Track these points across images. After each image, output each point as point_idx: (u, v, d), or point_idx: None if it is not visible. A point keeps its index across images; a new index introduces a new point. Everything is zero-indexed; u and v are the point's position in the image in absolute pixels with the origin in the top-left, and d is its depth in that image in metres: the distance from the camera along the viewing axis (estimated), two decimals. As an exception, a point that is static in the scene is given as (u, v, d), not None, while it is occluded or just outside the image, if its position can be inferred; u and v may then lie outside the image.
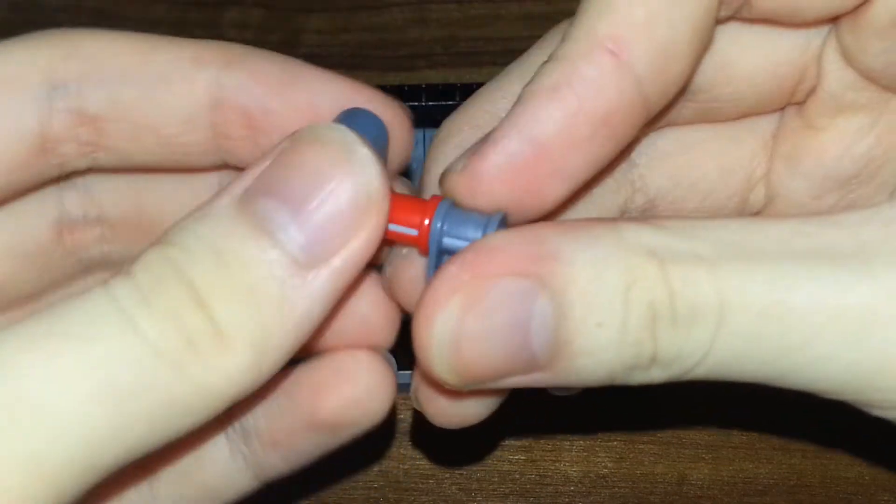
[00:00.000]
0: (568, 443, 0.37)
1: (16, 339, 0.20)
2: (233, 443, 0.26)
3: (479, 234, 0.23)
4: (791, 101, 0.28)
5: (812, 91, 0.27)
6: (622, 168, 0.28)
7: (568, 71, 0.23)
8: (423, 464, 0.36)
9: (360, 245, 0.22)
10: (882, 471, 0.36)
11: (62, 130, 0.25)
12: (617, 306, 0.21)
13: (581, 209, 0.27)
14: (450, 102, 0.44)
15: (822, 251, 0.22)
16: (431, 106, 0.44)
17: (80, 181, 0.27)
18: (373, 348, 0.26)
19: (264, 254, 0.21)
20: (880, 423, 0.37)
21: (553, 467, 0.36)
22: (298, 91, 0.25)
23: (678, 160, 0.28)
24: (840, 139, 0.27)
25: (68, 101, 0.25)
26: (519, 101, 0.23)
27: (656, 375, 0.22)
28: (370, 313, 0.26)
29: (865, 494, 0.36)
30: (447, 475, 0.36)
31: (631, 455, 0.37)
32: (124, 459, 0.21)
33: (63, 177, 0.26)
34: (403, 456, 0.37)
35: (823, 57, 0.26)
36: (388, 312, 0.26)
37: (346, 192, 0.22)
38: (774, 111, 0.28)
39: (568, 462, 0.36)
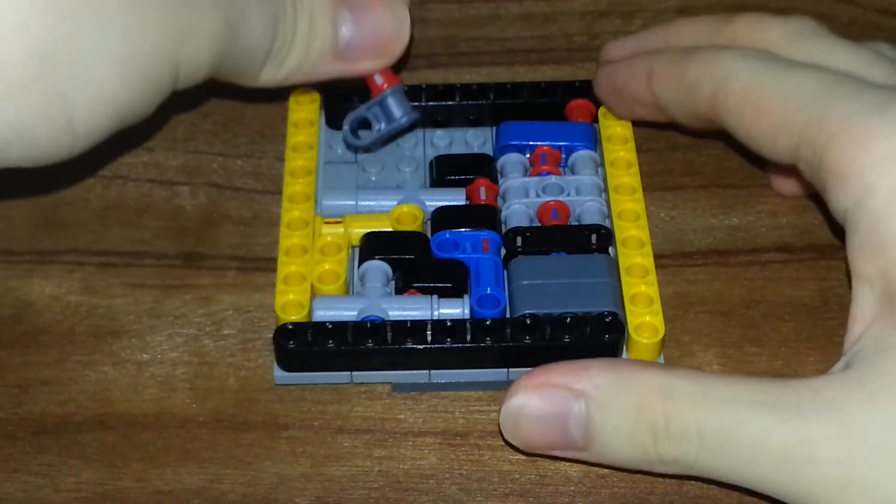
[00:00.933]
0: (568, 443, 0.37)
1: None
2: None
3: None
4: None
5: None
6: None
7: None
8: (423, 463, 0.36)
9: (370, 67, 0.41)
10: None
11: None
12: (629, 420, 0.32)
13: None
14: (450, 102, 0.44)
15: (774, 403, 0.31)
16: (431, 106, 0.44)
17: None
18: None
19: (329, 33, 0.38)
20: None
21: (553, 467, 0.36)
22: None
23: None
24: None
25: None
26: None
27: (667, 469, 0.33)
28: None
29: (866, 494, 0.36)
30: (447, 475, 0.36)
31: (631, 455, 0.36)
32: None
33: None
34: (403, 456, 0.37)
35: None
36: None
37: (385, 35, 0.39)
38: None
39: (568, 462, 0.36)
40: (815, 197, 0.41)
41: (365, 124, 0.41)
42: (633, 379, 0.32)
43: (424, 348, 0.36)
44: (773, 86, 0.35)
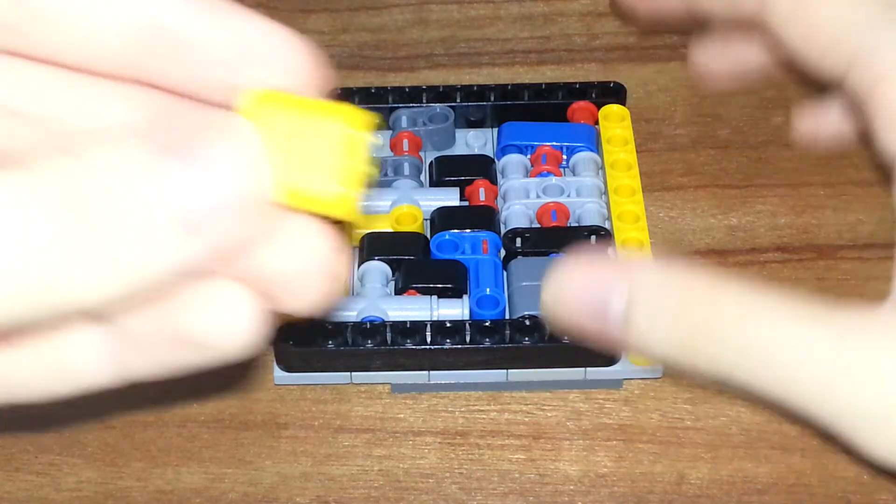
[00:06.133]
0: (567, 442, 0.37)
1: None
2: (97, 332, 0.26)
3: None
4: None
5: None
6: None
7: None
8: (423, 463, 0.36)
9: (239, 234, 0.23)
10: (882, 470, 0.36)
11: None
12: (669, 316, 0.29)
13: None
14: (450, 104, 0.44)
15: (824, 324, 0.28)
16: (432, 107, 0.44)
17: None
18: None
19: (162, 201, 0.22)
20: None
21: (553, 467, 0.36)
22: (233, 21, 0.26)
23: None
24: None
25: None
26: None
27: (705, 373, 0.29)
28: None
29: (865, 494, 0.36)
30: (447, 474, 0.36)
31: (630, 454, 0.37)
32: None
33: None
34: (403, 456, 0.37)
35: None
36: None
37: (243, 185, 0.23)
38: None
39: (567, 461, 0.36)
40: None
41: None
42: (680, 277, 0.29)
43: (424, 349, 0.37)
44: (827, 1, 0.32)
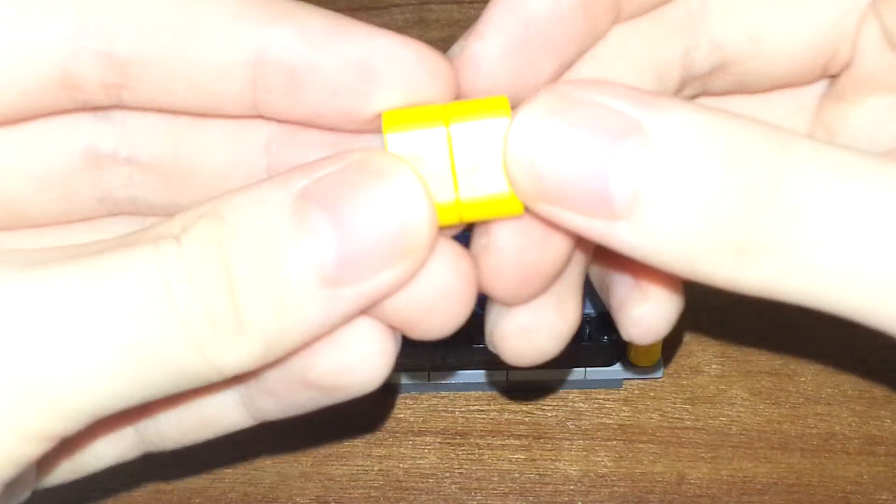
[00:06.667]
0: (567, 442, 0.37)
1: (62, 281, 0.21)
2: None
3: None
4: (826, 75, 0.27)
5: (847, 66, 0.27)
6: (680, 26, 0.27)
7: None
8: (423, 463, 0.36)
9: (389, 279, 0.23)
10: (881, 470, 0.36)
11: (86, 69, 0.24)
12: (713, 180, 0.20)
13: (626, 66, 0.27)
14: (450, 103, 0.44)
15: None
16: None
17: (117, 115, 0.26)
18: None
19: (302, 261, 0.22)
20: (879, 422, 0.37)
21: (553, 466, 0.36)
22: (346, 45, 0.24)
23: None
24: (873, 116, 0.27)
25: (97, 41, 0.24)
26: None
27: (744, 273, 0.21)
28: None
29: (864, 494, 0.36)
30: (447, 474, 0.36)
31: (630, 454, 0.37)
32: (127, 406, 0.22)
33: (89, 108, 0.25)
34: (403, 455, 0.37)
35: (860, 35, 0.26)
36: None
37: (390, 231, 0.22)
38: (808, 84, 0.28)
39: (567, 461, 0.36)
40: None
41: None
42: (728, 121, 0.21)
43: (424, 349, 0.36)
44: None
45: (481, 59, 0.24)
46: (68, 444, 0.26)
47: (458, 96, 0.24)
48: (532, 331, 0.25)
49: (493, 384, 0.38)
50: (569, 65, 0.25)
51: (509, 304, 0.25)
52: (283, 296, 0.22)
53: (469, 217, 0.23)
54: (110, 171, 0.26)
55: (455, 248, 0.24)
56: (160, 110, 0.25)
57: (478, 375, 0.37)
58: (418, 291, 0.23)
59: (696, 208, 0.20)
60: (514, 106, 0.23)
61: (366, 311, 0.23)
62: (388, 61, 0.24)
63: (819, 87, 0.28)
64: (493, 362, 0.37)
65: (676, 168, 0.20)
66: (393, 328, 0.24)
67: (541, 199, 0.22)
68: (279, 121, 0.25)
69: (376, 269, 0.22)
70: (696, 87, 0.28)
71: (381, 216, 0.22)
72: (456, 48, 0.25)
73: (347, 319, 0.23)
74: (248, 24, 0.24)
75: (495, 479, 0.36)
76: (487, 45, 0.24)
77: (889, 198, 0.20)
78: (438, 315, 0.24)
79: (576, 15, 0.24)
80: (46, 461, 0.26)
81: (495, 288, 0.25)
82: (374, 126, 0.24)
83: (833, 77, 0.28)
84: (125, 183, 0.26)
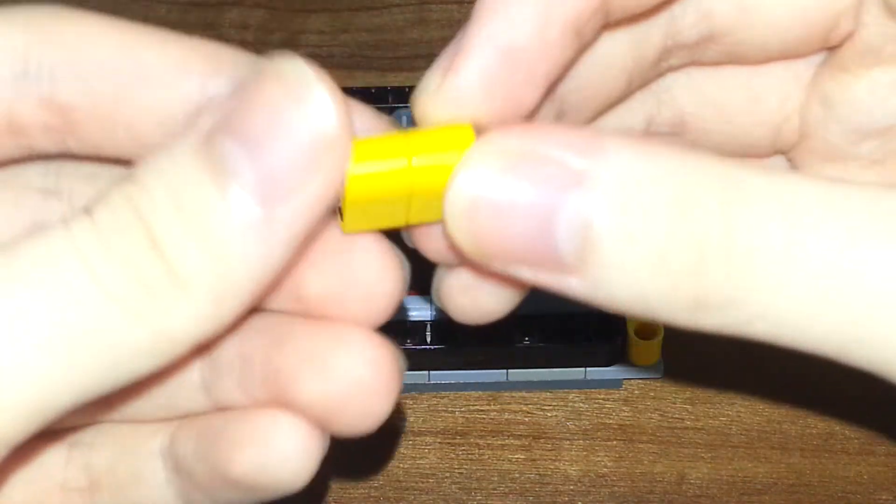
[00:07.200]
0: (567, 442, 0.37)
1: None
2: (168, 470, 0.25)
3: None
4: (825, 47, 0.27)
5: (848, 37, 0.26)
6: (648, 80, 0.27)
7: None
8: (423, 463, 0.36)
9: (318, 186, 0.21)
10: (881, 470, 0.36)
11: (29, 116, 0.24)
12: (660, 226, 0.19)
13: (605, 123, 0.26)
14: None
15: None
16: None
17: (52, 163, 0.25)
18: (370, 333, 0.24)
19: (222, 196, 0.21)
20: (879, 422, 0.37)
21: (553, 466, 0.36)
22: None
23: (706, 80, 0.28)
24: (874, 90, 0.26)
25: (39, 88, 0.23)
26: (481, 8, 0.22)
27: (705, 322, 0.20)
28: (366, 276, 0.23)
29: (864, 494, 0.36)
30: (447, 474, 0.36)
31: (630, 454, 0.37)
32: (79, 401, 0.21)
33: (35, 157, 0.25)
34: (403, 455, 0.37)
35: (863, 6, 0.25)
36: (389, 274, 0.23)
37: (301, 132, 0.21)
38: (806, 56, 0.27)
39: (567, 461, 0.36)
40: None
41: None
42: (674, 163, 0.20)
43: (424, 349, 0.37)
44: None
45: (459, 96, 0.22)
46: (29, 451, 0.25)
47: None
48: (474, 289, 0.24)
49: (493, 384, 0.38)
50: (554, 87, 0.24)
51: (447, 265, 0.24)
52: (214, 241, 0.20)
53: (416, 216, 0.22)
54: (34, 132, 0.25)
55: (374, 339, 0.23)
56: (105, 158, 0.25)
57: (478, 375, 0.37)
58: (333, 383, 0.23)
59: (644, 261, 0.20)
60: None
61: (305, 230, 0.21)
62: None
63: (816, 57, 0.27)
64: (493, 362, 0.37)
65: (622, 219, 0.20)
66: (317, 425, 0.23)
67: (487, 259, 0.21)
68: None
69: (302, 180, 0.21)
70: (683, 56, 0.27)
71: (290, 121, 0.21)
72: (430, 83, 0.23)
73: (291, 247, 0.21)
74: (191, 76, 0.23)
75: (495, 479, 0.36)
76: (465, 82, 0.22)
77: (846, 231, 0.19)
78: (357, 407, 0.23)
79: (565, 39, 0.23)
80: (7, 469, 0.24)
81: (429, 251, 0.24)
82: None
83: (832, 48, 0.27)
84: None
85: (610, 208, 0.20)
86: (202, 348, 0.23)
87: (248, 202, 0.21)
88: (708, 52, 0.27)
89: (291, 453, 0.23)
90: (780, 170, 0.24)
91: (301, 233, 0.21)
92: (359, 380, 0.23)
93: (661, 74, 0.27)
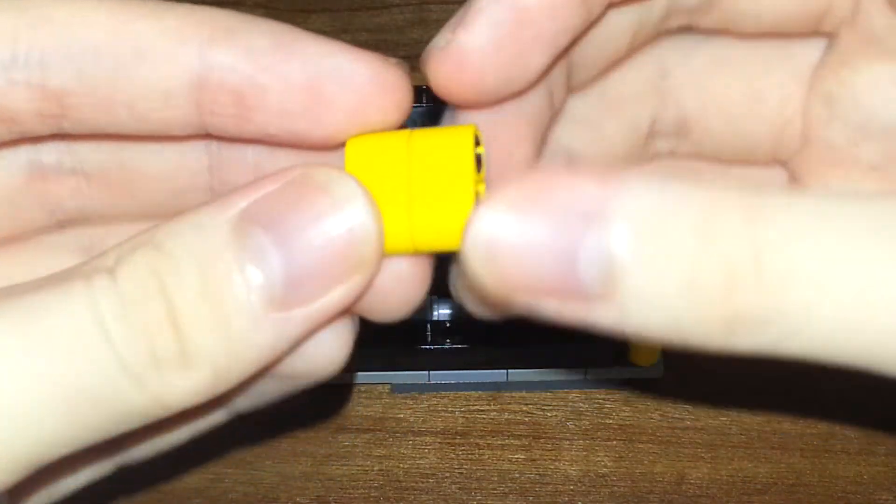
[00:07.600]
0: (567, 442, 0.37)
1: None
2: None
3: None
4: (819, 30, 0.26)
5: (847, 25, 0.26)
6: (652, 77, 0.27)
7: None
8: (423, 463, 0.36)
9: (339, 296, 0.22)
10: (881, 470, 0.36)
11: (20, 103, 0.23)
12: (687, 252, 0.19)
13: (610, 122, 0.26)
14: (450, 103, 0.44)
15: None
16: (431, 107, 0.44)
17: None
18: None
19: (247, 289, 0.21)
20: (879, 422, 0.37)
21: (553, 466, 0.36)
22: (293, 65, 0.23)
23: (709, 78, 0.28)
24: (876, 85, 0.26)
25: (29, 75, 0.23)
26: None
27: (738, 344, 0.20)
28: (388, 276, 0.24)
29: (864, 494, 0.36)
30: (447, 474, 0.36)
31: (630, 454, 0.37)
32: (70, 452, 0.21)
33: (27, 140, 0.25)
34: (403, 455, 0.37)
35: None
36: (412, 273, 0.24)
37: (337, 246, 0.21)
38: (801, 36, 0.27)
39: (567, 461, 0.36)
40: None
41: None
42: (693, 191, 0.19)
43: (424, 349, 0.37)
44: None
45: (468, 52, 0.23)
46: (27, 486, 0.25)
47: (441, 93, 0.23)
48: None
49: (493, 384, 0.38)
50: (561, 56, 0.24)
51: (465, 105, 0.24)
52: (230, 324, 0.21)
53: (423, 245, 0.22)
54: (57, 183, 0.25)
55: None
56: (103, 136, 0.24)
57: (478, 375, 0.37)
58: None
59: (674, 288, 0.19)
60: (502, 100, 0.22)
61: (318, 329, 0.22)
62: (338, 82, 0.23)
63: (815, 54, 0.27)
64: (493, 362, 0.37)
65: (647, 248, 0.19)
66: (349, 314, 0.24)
67: (511, 297, 0.21)
68: (229, 140, 0.24)
69: (326, 287, 0.21)
70: (681, 18, 0.26)
71: (327, 231, 0.21)
72: (440, 40, 0.23)
73: (300, 341, 0.22)
74: (189, 46, 0.23)
75: (495, 479, 0.36)
76: (475, 37, 0.23)
77: (877, 244, 0.19)
78: (395, 297, 0.23)
79: (572, 4, 0.23)
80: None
81: (452, 89, 0.24)
82: (329, 144, 0.23)
83: (830, 38, 0.27)
84: (73, 194, 0.25)
85: (633, 238, 0.19)
86: None
87: (271, 298, 0.21)
88: (706, 18, 0.27)
89: (326, 340, 0.23)
90: (798, 188, 0.23)
91: (313, 331, 0.22)
92: (399, 269, 0.23)
93: (659, 35, 0.27)
